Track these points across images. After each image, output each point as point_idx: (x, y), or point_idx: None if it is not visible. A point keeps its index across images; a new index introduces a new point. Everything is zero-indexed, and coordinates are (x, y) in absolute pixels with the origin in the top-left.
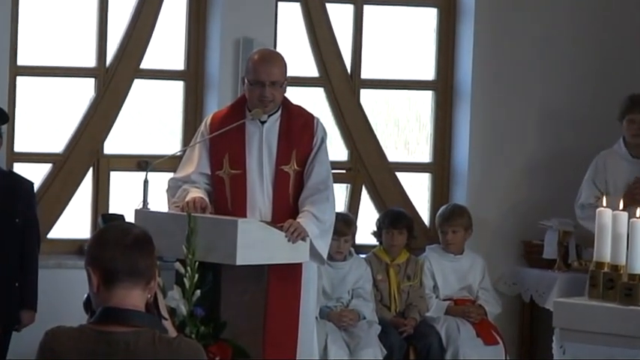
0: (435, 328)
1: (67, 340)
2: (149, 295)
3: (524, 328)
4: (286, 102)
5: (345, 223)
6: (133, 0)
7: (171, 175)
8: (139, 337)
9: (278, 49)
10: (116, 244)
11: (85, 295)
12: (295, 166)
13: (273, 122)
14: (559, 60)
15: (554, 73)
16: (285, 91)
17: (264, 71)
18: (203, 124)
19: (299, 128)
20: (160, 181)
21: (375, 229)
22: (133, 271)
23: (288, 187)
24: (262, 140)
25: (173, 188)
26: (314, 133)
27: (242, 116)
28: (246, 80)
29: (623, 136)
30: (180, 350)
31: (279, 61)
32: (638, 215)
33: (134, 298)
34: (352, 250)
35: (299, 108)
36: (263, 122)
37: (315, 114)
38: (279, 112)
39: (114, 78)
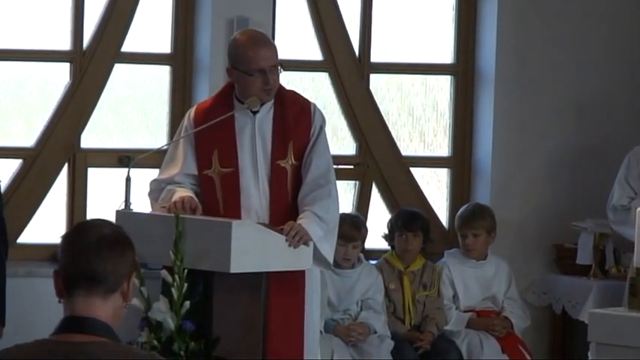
0: (455, 344)
1: (22, 355)
2: (125, 304)
3: (556, 342)
4: (279, 87)
5: (354, 226)
6: None
7: (156, 172)
8: (97, 347)
9: (276, 29)
10: (76, 246)
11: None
12: (293, 160)
13: (266, 112)
14: (593, 43)
15: (587, 57)
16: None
17: (262, 56)
18: (186, 117)
19: (294, 116)
20: (143, 178)
21: (387, 231)
22: (92, 276)
23: (285, 183)
24: (255, 133)
25: (155, 191)
26: (311, 121)
27: (230, 107)
28: (236, 71)
29: None
30: None
31: (270, 41)
32: None
33: (96, 307)
34: (361, 256)
35: (293, 93)
36: (255, 112)
37: (318, 102)
38: (272, 99)
39: (92, 62)
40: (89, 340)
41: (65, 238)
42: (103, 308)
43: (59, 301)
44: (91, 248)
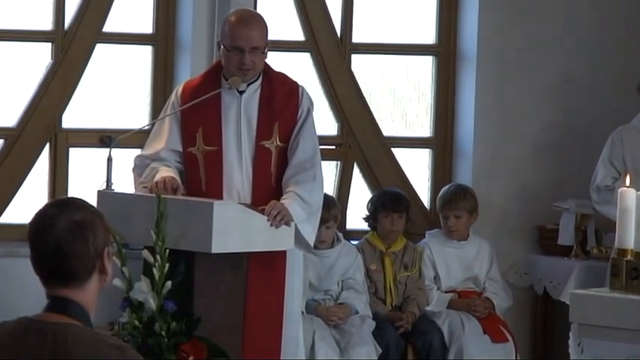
0: (437, 324)
1: (1, 331)
2: (105, 280)
3: (538, 323)
4: (267, 69)
5: (325, 207)
6: None
7: (137, 152)
8: (68, 329)
9: (258, 9)
10: (38, 251)
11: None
12: (278, 142)
13: (253, 92)
14: (578, 22)
15: (572, 36)
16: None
17: (242, 35)
18: (173, 94)
19: (282, 98)
20: (125, 158)
21: (368, 212)
22: (62, 276)
23: (269, 165)
24: (240, 112)
25: (140, 167)
26: (299, 103)
27: (217, 85)
28: (222, 45)
29: None
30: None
31: (260, 24)
32: None
33: (75, 294)
34: (340, 235)
35: (282, 75)
36: (241, 92)
37: (301, 83)
38: (260, 80)
39: (73, 42)
40: (63, 322)
41: (28, 238)
42: (83, 293)
43: None
44: (51, 250)
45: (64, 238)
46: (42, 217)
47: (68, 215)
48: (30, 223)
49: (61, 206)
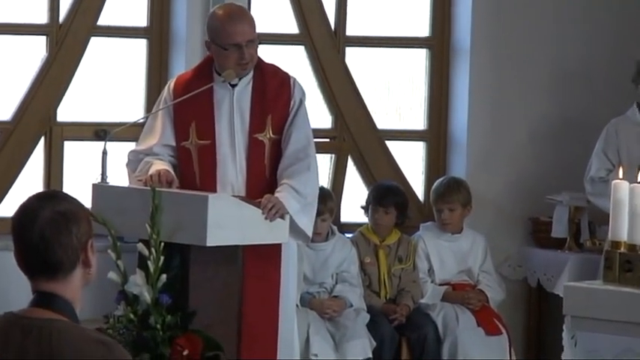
0: (431, 317)
1: None
2: (90, 273)
3: (531, 316)
4: (259, 61)
5: (321, 200)
6: None
7: (132, 145)
8: (54, 325)
9: (252, 3)
10: (22, 243)
11: None
12: (271, 134)
13: (245, 85)
14: (572, 14)
15: (566, 28)
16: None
17: (237, 31)
18: (166, 88)
19: (274, 90)
20: (120, 151)
21: (365, 204)
22: (46, 267)
23: (263, 157)
24: (233, 106)
25: (133, 162)
26: (291, 94)
27: (209, 79)
28: (213, 45)
29: (637, 102)
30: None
31: (249, 16)
32: None
33: (60, 287)
34: (334, 228)
35: (273, 67)
36: (233, 85)
37: (294, 75)
38: (251, 73)
39: (68, 35)
40: (49, 317)
41: (12, 231)
42: (68, 287)
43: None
44: (35, 243)
45: (47, 229)
46: (25, 209)
47: (51, 206)
48: (13, 217)
49: (43, 198)
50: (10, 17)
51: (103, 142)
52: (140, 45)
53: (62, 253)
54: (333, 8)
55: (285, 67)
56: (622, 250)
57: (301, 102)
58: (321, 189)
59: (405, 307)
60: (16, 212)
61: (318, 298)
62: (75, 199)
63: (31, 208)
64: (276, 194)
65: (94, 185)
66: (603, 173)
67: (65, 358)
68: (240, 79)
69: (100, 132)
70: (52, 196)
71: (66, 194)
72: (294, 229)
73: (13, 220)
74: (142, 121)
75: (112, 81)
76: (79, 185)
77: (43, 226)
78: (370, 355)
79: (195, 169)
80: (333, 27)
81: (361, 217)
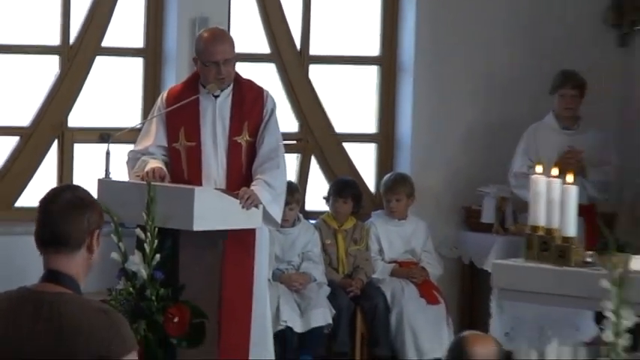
0: (381, 289)
1: (2, 297)
2: (91, 259)
3: (465, 288)
4: (237, 77)
5: (288, 192)
6: None
7: (131, 146)
8: (61, 297)
9: (232, 27)
10: (43, 213)
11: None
12: (247, 137)
13: (226, 96)
14: (496, 37)
15: (492, 49)
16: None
17: (217, 51)
18: (160, 98)
19: (250, 101)
20: (121, 152)
21: (327, 195)
22: (57, 238)
23: (240, 156)
24: (216, 114)
25: (132, 160)
26: (264, 104)
27: (196, 91)
28: (199, 61)
29: (553, 109)
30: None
31: (229, 39)
32: (569, 182)
33: (65, 262)
34: (300, 215)
35: (249, 82)
36: (216, 97)
37: (266, 88)
38: (231, 86)
39: (77, 55)
40: (56, 291)
41: (38, 204)
42: (72, 263)
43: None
44: (54, 215)
45: (66, 206)
46: (53, 190)
47: (73, 192)
48: (41, 198)
49: (68, 186)
50: (28, 40)
51: (106, 144)
52: (137, 63)
53: (72, 230)
54: (299, 32)
55: (259, 82)
56: (540, 233)
57: (272, 111)
58: (289, 183)
59: (359, 282)
60: (46, 193)
61: (287, 273)
62: (92, 196)
63: (58, 189)
64: (252, 187)
65: (99, 180)
66: (524, 169)
67: (72, 324)
68: (221, 91)
69: (104, 136)
70: (75, 187)
71: (86, 190)
72: (267, 217)
73: (40, 200)
74: (139, 126)
75: (113, 93)
76: (86, 180)
77: (64, 203)
78: (330, 322)
79: (183, 166)
80: (299, 48)
81: (323, 207)
